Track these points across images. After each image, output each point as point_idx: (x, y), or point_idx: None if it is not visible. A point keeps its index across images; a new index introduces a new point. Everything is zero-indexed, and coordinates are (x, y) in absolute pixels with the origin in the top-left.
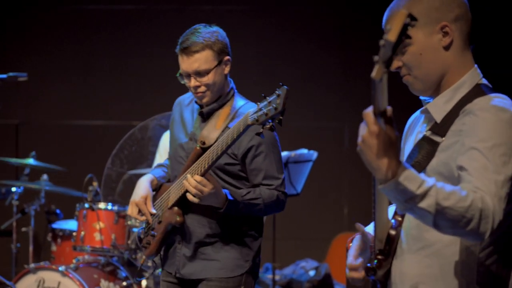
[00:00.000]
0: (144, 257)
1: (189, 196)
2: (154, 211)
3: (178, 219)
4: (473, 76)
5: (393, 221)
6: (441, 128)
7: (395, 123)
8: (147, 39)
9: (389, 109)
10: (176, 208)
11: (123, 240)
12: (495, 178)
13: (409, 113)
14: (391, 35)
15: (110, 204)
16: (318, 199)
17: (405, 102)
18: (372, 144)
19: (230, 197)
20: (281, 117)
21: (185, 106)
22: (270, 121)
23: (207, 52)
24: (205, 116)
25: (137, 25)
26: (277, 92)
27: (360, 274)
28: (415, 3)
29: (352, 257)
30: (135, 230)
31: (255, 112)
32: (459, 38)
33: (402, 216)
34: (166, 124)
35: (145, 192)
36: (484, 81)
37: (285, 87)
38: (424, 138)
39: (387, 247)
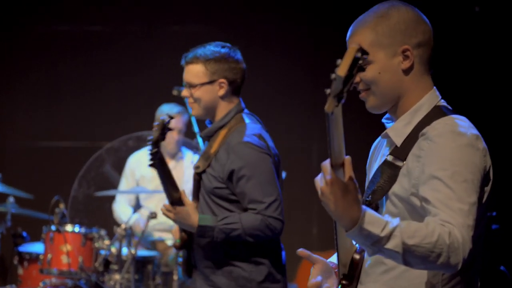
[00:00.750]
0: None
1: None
2: None
3: (176, 243)
4: (432, 98)
5: (357, 245)
6: (401, 152)
7: (353, 169)
8: (114, 60)
9: (347, 158)
10: (183, 233)
11: (90, 262)
12: (459, 207)
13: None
14: (341, 70)
15: (77, 226)
16: (286, 219)
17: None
18: (330, 194)
19: (201, 223)
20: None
21: None
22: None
23: (200, 67)
24: (204, 139)
25: (104, 46)
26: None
27: None
28: (381, 23)
29: (311, 277)
30: (103, 252)
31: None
32: (419, 63)
33: None
34: (133, 145)
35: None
36: (443, 102)
37: (162, 117)
38: (386, 162)
39: (351, 272)
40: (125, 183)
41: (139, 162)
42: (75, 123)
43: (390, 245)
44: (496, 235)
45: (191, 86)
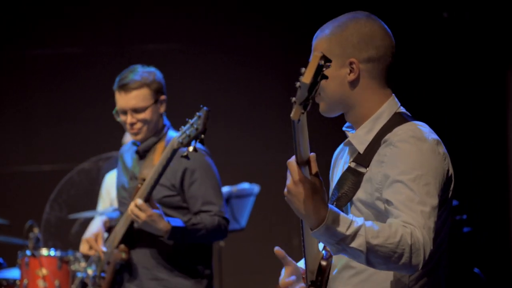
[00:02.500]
0: None
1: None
2: (104, 249)
3: (123, 256)
4: (391, 105)
5: (324, 252)
6: (364, 158)
7: (318, 168)
8: (86, 82)
9: (312, 155)
10: (122, 245)
11: (67, 285)
12: (421, 209)
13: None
14: (306, 78)
15: (52, 249)
16: (265, 232)
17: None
18: (298, 193)
19: (173, 223)
20: (202, 136)
21: (126, 151)
22: (193, 142)
23: (145, 90)
24: (141, 154)
25: (77, 68)
26: (197, 114)
27: None
28: (336, 33)
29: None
30: (79, 274)
31: (180, 136)
32: (367, 78)
33: None
34: (103, 165)
35: (96, 230)
36: (402, 109)
37: (205, 108)
38: (349, 169)
39: (319, 278)
40: (101, 204)
41: (114, 182)
42: (48, 147)
43: (354, 244)
44: (469, 238)
45: (139, 111)
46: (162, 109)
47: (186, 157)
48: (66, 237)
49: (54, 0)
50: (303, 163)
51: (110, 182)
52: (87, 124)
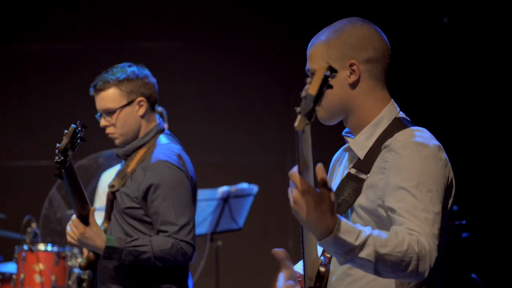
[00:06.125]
0: None
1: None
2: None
3: (82, 263)
4: (391, 110)
5: (322, 258)
6: (364, 164)
7: (325, 176)
8: (86, 78)
9: (319, 165)
10: (91, 253)
11: (63, 281)
12: (425, 216)
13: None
14: (312, 89)
15: (49, 245)
16: (262, 232)
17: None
18: (304, 204)
19: (109, 243)
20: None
21: None
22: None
23: (113, 90)
24: (121, 159)
25: (76, 64)
26: (65, 131)
27: None
28: (334, 37)
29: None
30: (76, 270)
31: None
32: (367, 79)
33: None
34: (103, 163)
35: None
36: (402, 114)
37: (73, 125)
38: (349, 176)
39: (318, 284)
40: (98, 201)
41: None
42: (46, 142)
43: (363, 254)
44: (467, 243)
45: (110, 113)
46: (141, 111)
47: (58, 175)
48: (65, 233)
49: None
50: (305, 173)
51: (106, 180)
52: (88, 121)
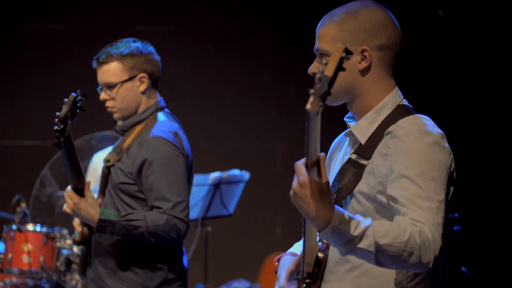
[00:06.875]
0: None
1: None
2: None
3: (76, 238)
4: (394, 97)
5: (320, 243)
6: (366, 150)
7: (326, 169)
8: (78, 59)
9: (321, 155)
10: (85, 228)
11: (52, 262)
12: (429, 206)
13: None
14: (329, 70)
15: (38, 225)
16: (250, 219)
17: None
18: (303, 195)
19: (103, 216)
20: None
21: None
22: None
23: (116, 64)
24: (121, 134)
25: (68, 45)
26: (65, 99)
27: None
28: (348, 19)
29: (284, 279)
30: (64, 252)
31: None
32: (378, 66)
33: None
34: (95, 144)
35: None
36: (405, 102)
37: (73, 94)
38: (350, 161)
39: (316, 270)
40: None
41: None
42: (38, 122)
43: (362, 244)
44: (458, 236)
45: (110, 87)
46: (142, 87)
47: (57, 144)
48: (55, 214)
49: None
50: (312, 165)
51: (97, 161)
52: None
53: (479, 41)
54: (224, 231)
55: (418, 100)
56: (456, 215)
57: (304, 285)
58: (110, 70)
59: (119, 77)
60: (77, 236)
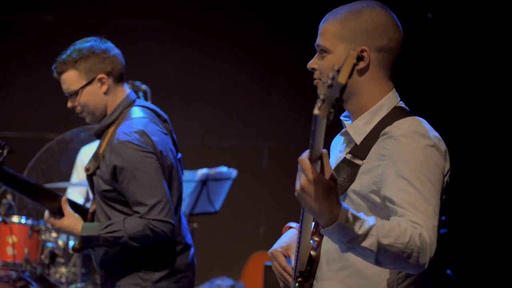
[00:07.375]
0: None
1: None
2: None
3: (75, 246)
4: (392, 99)
5: (312, 242)
6: (361, 150)
7: (330, 165)
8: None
9: (324, 152)
10: None
11: (36, 254)
12: (425, 208)
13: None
14: (342, 78)
15: (23, 217)
16: (235, 217)
17: None
18: (312, 191)
19: (84, 233)
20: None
21: None
22: None
23: (71, 72)
24: (97, 138)
25: (57, 37)
26: None
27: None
28: (350, 18)
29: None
30: (49, 245)
31: None
32: (376, 67)
33: (321, 237)
34: (84, 137)
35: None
36: (402, 104)
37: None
38: (345, 161)
39: (308, 268)
40: (76, 175)
41: (89, 155)
42: (24, 114)
43: (366, 243)
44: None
45: (73, 94)
46: (104, 88)
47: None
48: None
49: None
50: (315, 160)
51: (85, 154)
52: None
53: (468, 44)
54: (208, 229)
55: (408, 103)
56: (443, 218)
57: (296, 285)
58: (68, 79)
59: (77, 84)
60: (76, 243)
